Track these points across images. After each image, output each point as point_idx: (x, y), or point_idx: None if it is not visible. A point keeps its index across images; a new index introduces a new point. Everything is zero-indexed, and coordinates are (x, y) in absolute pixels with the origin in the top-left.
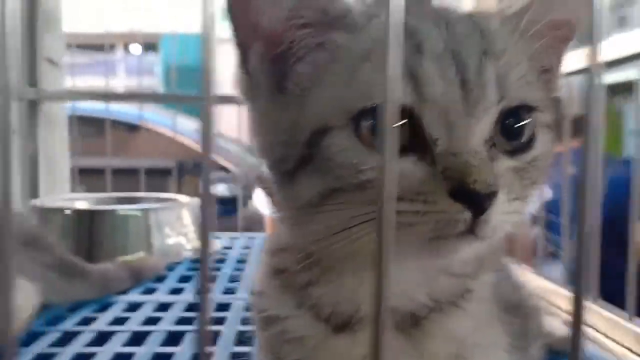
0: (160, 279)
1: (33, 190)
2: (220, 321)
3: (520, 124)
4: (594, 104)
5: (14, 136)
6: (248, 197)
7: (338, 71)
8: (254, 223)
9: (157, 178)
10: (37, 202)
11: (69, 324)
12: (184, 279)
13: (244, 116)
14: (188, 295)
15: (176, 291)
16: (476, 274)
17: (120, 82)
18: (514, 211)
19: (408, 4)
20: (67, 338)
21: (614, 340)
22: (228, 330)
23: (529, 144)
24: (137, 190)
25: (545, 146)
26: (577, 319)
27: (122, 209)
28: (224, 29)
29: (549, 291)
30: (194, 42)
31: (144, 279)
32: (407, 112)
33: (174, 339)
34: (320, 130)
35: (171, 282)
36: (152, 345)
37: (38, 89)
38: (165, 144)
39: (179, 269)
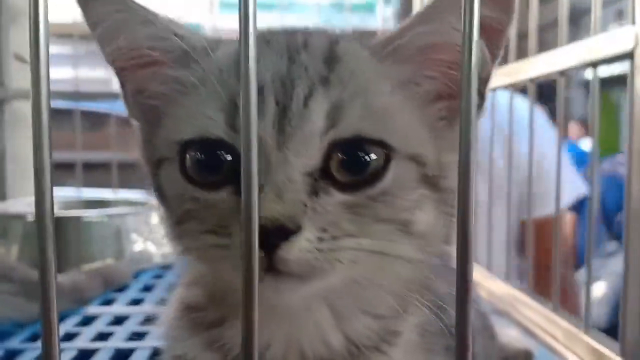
0: (123, 287)
1: (1, 192)
2: None
3: (364, 158)
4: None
5: None
6: None
7: (175, 105)
8: None
9: None
10: None
11: (14, 342)
12: (147, 287)
13: None
14: (148, 306)
15: (136, 302)
16: (400, 313)
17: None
18: (340, 248)
19: (262, 33)
20: (9, 357)
21: (571, 350)
22: None
23: (375, 178)
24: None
25: (400, 182)
26: (463, 278)
27: (88, 215)
28: (221, 19)
29: (516, 299)
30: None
31: (113, 286)
32: (227, 146)
33: (123, 356)
34: (158, 160)
35: (133, 291)
36: None
37: (4, 88)
38: None
39: (144, 277)
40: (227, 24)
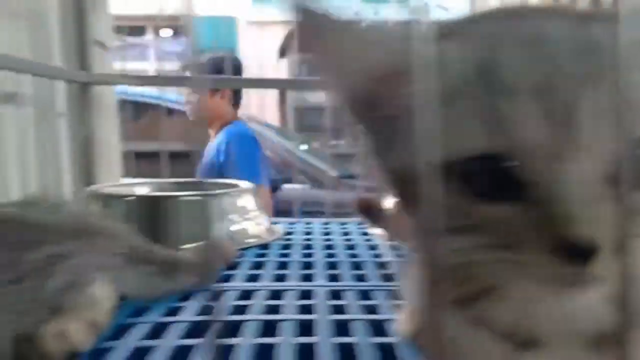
0: (231, 266)
1: (86, 175)
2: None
3: None
4: None
5: (61, 120)
6: (283, 181)
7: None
8: (287, 207)
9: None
10: (93, 188)
11: (154, 316)
12: (256, 265)
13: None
14: (266, 282)
15: (253, 278)
16: None
17: (151, 67)
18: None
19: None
20: (157, 330)
21: None
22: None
23: None
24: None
25: None
26: None
27: (185, 195)
28: (253, 13)
29: None
30: (224, 25)
31: (227, 263)
32: (493, 158)
33: (269, 327)
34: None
35: (244, 269)
36: (249, 336)
37: (89, 73)
38: None
39: (247, 256)
40: (257, 17)
